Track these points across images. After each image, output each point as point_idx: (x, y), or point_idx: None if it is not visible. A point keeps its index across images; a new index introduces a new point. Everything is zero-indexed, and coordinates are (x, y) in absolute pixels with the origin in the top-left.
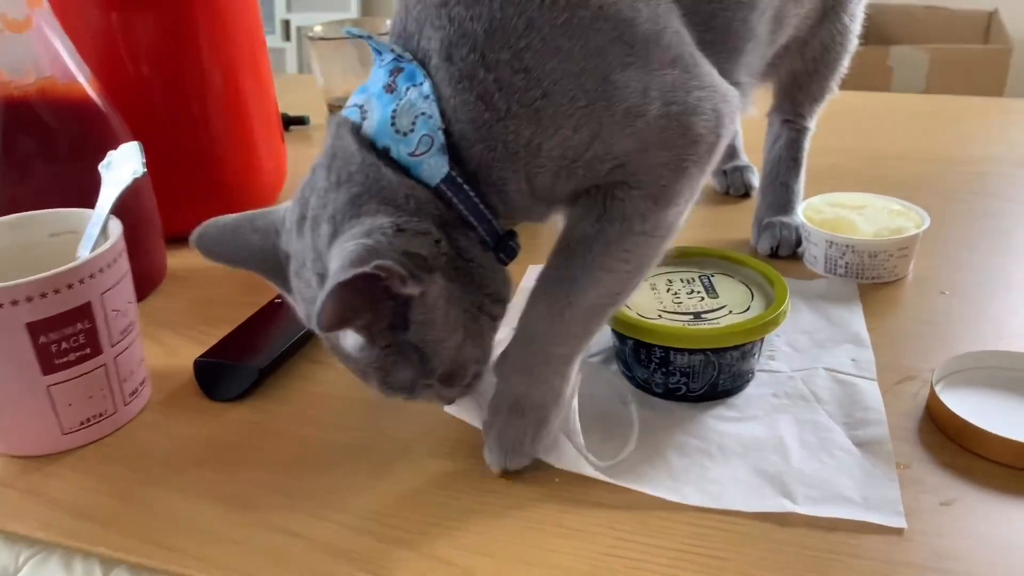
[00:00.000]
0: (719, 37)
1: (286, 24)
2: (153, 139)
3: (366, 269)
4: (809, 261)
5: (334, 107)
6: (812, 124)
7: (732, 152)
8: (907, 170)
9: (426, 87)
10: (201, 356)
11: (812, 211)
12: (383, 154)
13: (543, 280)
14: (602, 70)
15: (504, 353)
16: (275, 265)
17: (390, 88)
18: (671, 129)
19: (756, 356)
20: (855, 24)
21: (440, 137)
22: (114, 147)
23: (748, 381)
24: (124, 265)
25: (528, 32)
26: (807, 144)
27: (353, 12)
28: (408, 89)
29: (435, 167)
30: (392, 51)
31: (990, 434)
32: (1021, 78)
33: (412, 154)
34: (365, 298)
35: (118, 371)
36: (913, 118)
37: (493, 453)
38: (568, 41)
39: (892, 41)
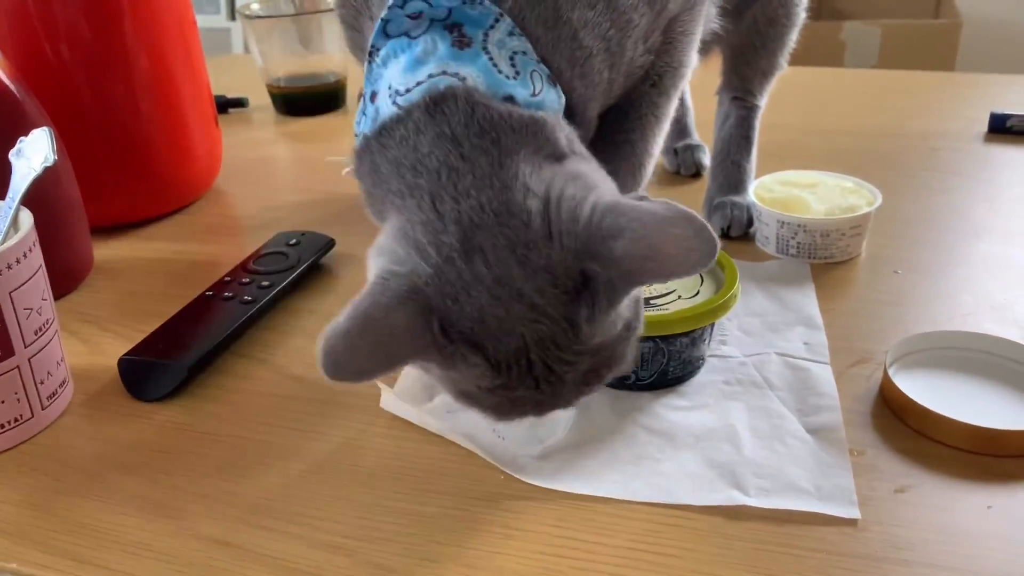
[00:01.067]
0: None
1: (231, 2)
2: (75, 125)
3: (681, 210)
4: (761, 241)
5: (273, 88)
6: (762, 101)
7: (683, 130)
8: (859, 146)
9: (506, 24)
10: (126, 354)
11: (763, 190)
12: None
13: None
14: None
15: None
16: (431, 338)
17: (461, 43)
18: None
19: (707, 342)
20: None
21: (544, 70)
22: (28, 134)
23: (699, 368)
24: (37, 260)
25: None
26: (757, 122)
27: None
28: (486, 35)
29: (555, 100)
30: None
31: (944, 417)
32: (971, 52)
33: (533, 94)
34: None
35: (33, 373)
36: (865, 93)
37: None
38: None
39: (844, 16)
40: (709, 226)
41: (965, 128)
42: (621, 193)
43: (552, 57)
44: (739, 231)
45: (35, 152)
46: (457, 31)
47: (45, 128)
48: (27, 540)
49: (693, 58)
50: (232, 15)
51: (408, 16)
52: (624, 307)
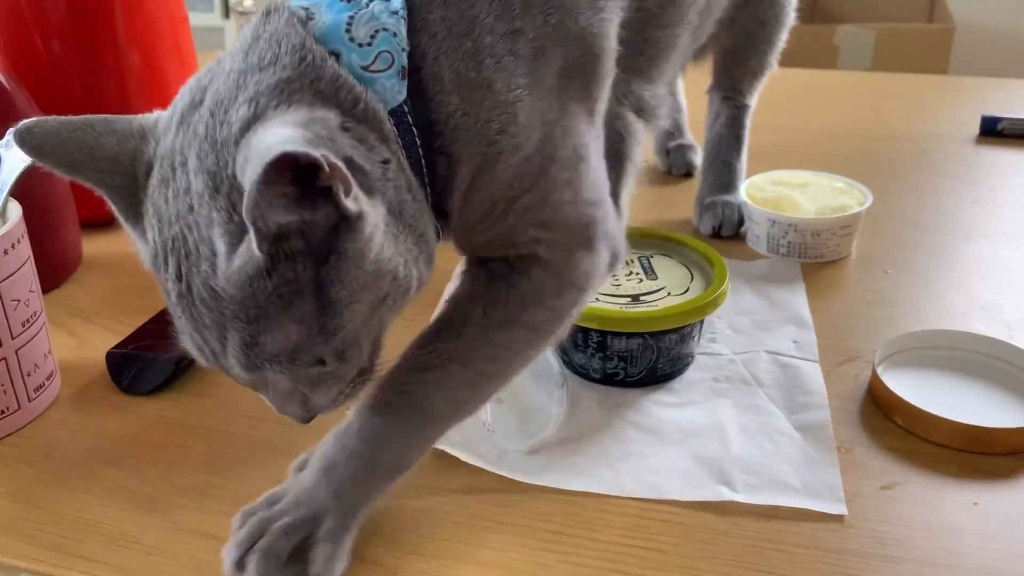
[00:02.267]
0: (649, 57)
1: (225, 1)
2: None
3: (312, 153)
4: (752, 241)
5: None
6: (752, 101)
7: (676, 130)
8: (851, 148)
9: (397, 2)
10: (114, 347)
11: (754, 190)
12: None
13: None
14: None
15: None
16: (126, 179)
17: None
18: (600, 209)
19: (696, 339)
20: None
21: (402, 60)
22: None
23: (688, 365)
24: (25, 252)
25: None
26: (748, 121)
27: None
28: (371, 2)
29: (392, 89)
30: None
31: (932, 415)
32: (964, 56)
33: (366, 68)
34: (291, 199)
35: (20, 365)
36: (858, 96)
37: (230, 549)
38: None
39: (838, 20)
40: (266, 170)
41: (956, 131)
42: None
43: (439, 57)
44: (730, 230)
45: None
46: None
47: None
48: (12, 532)
49: (586, 278)
50: (226, 13)
51: None
52: (285, 278)
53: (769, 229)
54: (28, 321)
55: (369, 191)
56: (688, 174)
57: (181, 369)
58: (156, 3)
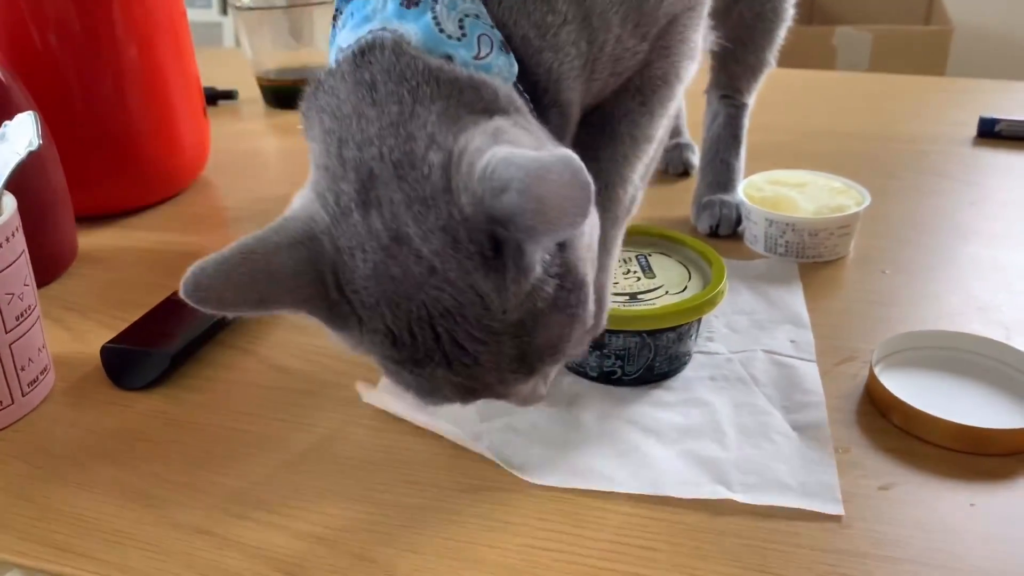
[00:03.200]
0: None
1: None
2: (62, 113)
3: (562, 150)
4: (749, 240)
5: (263, 81)
6: (750, 100)
7: (674, 130)
8: (849, 148)
9: None
10: (109, 342)
11: (752, 189)
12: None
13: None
14: None
15: None
16: (316, 287)
17: (409, 2)
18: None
19: (693, 338)
20: None
21: (497, 35)
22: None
23: (685, 364)
24: (19, 245)
25: None
26: (746, 121)
27: None
28: None
29: (505, 67)
30: None
31: (929, 416)
32: (961, 58)
33: (477, 57)
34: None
35: (14, 359)
36: (856, 96)
37: None
38: None
39: (836, 21)
40: (585, 170)
41: (954, 132)
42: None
43: (517, 22)
44: (728, 230)
45: (19, 136)
46: None
47: (30, 112)
48: (6, 528)
49: (689, 72)
50: (224, 10)
51: None
52: (545, 281)
53: (767, 229)
54: (22, 315)
55: None
56: (685, 173)
57: (176, 364)
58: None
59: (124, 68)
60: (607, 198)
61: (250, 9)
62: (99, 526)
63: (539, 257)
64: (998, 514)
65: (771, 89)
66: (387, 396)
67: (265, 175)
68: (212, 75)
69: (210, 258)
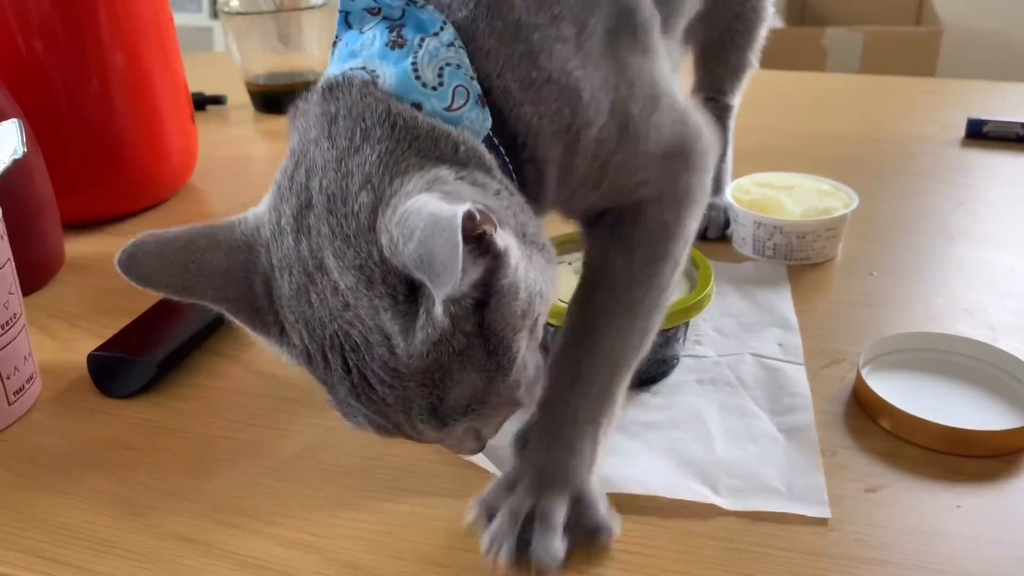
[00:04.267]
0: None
1: (213, 1)
2: (48, 120)
3: (469, 207)
4: (738, 243)
5: (252, 86)
6: (735, 101)
7: None
8: (837, 150)
9: (448, 34)
10: (95, 350)
11: (740, 192)
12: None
13: (565, 333)
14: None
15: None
16: (242, 292)
17: (396, 43)
18: (685, 126)
19: (681, 341)
20: None
21: (476, 88)
22: None
23: (673, 367)
24: (4, 253)
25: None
26: (732, 123)
27: None
28: (423, 40)
29: (478, 120)
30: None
31: (916, 418)
32: (951, 59)
33: (449, 108)
34: (475, 255)
35: (0, 368)
36: (846, 98)
37: (498, 537)
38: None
39: (827, 23)
40: (459, 229)
41: (943, 133)
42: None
43: (501, 73)
44: (716, 232)
45: (4, 144)
46: (397, 31)
47: (14, 120)
48: None
49: (693, 226)
50: (214, 13)
51: (366, 9)
52: (458, 337)
53: (755, 231)
54: (8, 323)
55: (500, 225)
56: None
57: (162, 372)
58: (140, 3)
59: (110, 74)
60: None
61: (239, 14)
62: (84, 535)
63: (446, 309)
64: (984, 516)
65: (760, 91)
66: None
67: (254, 180)
68: (201, 80)
69: (153, 234)
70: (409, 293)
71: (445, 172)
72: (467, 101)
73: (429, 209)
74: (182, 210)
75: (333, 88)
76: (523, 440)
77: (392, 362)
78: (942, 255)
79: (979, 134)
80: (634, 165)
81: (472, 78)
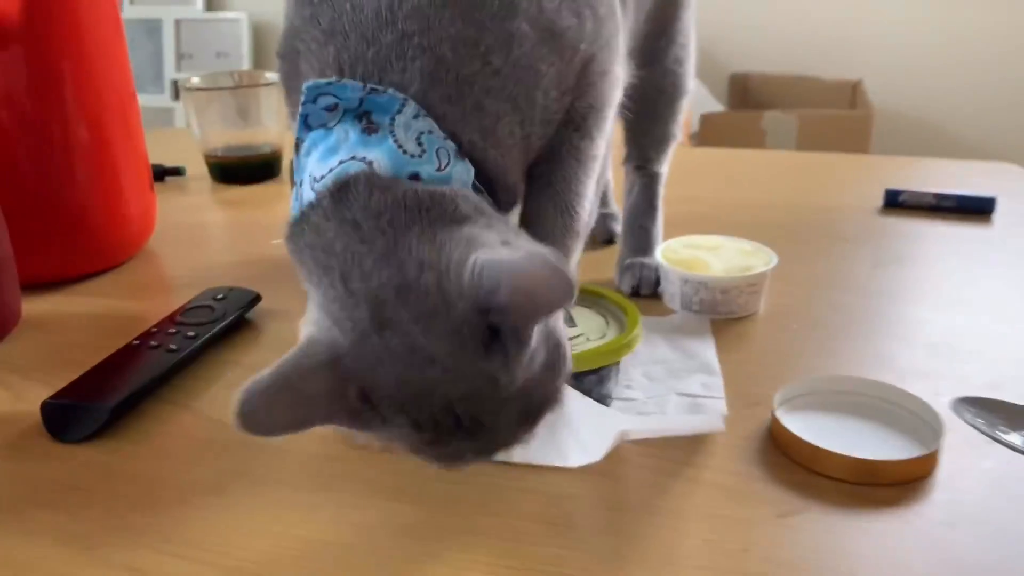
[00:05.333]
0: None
1: (175, 84)
2: (10, 184)
3: (535, 250)
4: (667, 299)
5: (211, 158)
6: (662, 169)
7: (602, 200)
8: (765, 217)
9: (411, 107)
10: (50, 397)
11: (669, 252)
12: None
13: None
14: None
15: None
16: (343, 404)
17: (370, 129)
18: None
19: (613, 381)
20: (683, 68)
21: (451, 145)
22: None
23: (608, 406)
24: None
25: (481, 37)
26: (661, 189)
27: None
28: (392, 119)
29: (463, 171)
30: (362, 85)
31: (825, 451)
32: (882, 140)
33: (439, 169)
34: None
35: None
36: (776, 172)
37: None
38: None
39: (765, 107)
40: (562, 266)
41: (863, 203)
42: (553, 235)
43: (462, 131)
44: (648, 290)
45: None
46: (366, 119)
47: None
48: None
49: (615, 97)
50: (176, 95)
51: (324, 109)
52: (537, 349)
53: (682, 287)
54: None
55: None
56: (610, 240)
57: (115, 417)
58: (105, 81)
59: (73, 145)
60: (568, 216)
61: (199, 90)
62: (37, 569)
63: (534, 331)
64: (889, 538)
65: (698, 166)
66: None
67: (210, 245)
68: (162, 153)
69: (253, 386)
70: (492, 335)
71: (469, 230)
72: (450, 159)
73: (506, 261)
74: (139, 272)
75: (342, 189)
76: None
77: (497, 393)
78: (857, 310)
79: (896, 203)
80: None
81: (445, 138)
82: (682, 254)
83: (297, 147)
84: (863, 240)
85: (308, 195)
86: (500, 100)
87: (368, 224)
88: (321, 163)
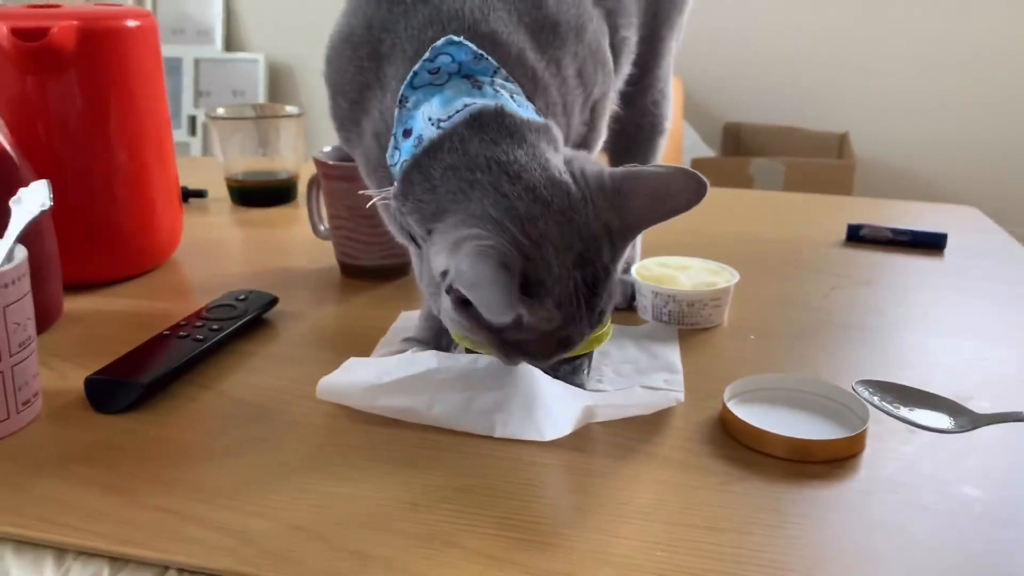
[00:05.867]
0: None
1: (192, 120)
2: (58, 197)
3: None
4: (640, 311)
5: (232, 182)
6: None
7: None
8: (733, 245)
9: (503, 74)
10: (91, 374)
11: (643, 269)
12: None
13: None
14: None
15: None
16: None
17: (476, 85)
18: None
19: (586, 372)
20: (660, 110)
21: (531, 105)
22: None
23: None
24: (26, 286)
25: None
26: None
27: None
28: (491, 80)
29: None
30: (474, 48)
31: (766, 432)
32: (865, 188)
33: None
34: None
35: (14, 380)
36: (753, 209)
37: None
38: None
39: (756, 155)
40: (699, 174)
41: (826, 236)
42: None
43: (534, 102)
44: (624, 303)
45: (33, 200)
46: (471, 79)
47: (44, 180)
48: (1, 507)
49: (603, 133)
50: (192, 131)
51: (429, 72)
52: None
53: (653, 300)
54: (24, 343)
55: None
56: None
57: (148, 394)
58: (145, 111)
59: (114, 167)
60: None
61: (224, 119)
62: (80, 506)
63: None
64: (816, 503)
65: None
66: (339, 388)
67: (229, 257)
68: (187, 177)
69: (496, 282)
70: (606, 233)
71: (568, 152)
72: (534, 111)
73: (645, 170)
74: (166, 278)
75: (476, 119)
76: None
77: (605, 281)
78: (811, 324)
79: (857, 237)
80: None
81: (527, 98)
82: (655, 271)
83: (401, 103)
84: (823, 267)
85: (430, 133)
86: (556, 96)
87: (506, 141)
88: (443, 108)
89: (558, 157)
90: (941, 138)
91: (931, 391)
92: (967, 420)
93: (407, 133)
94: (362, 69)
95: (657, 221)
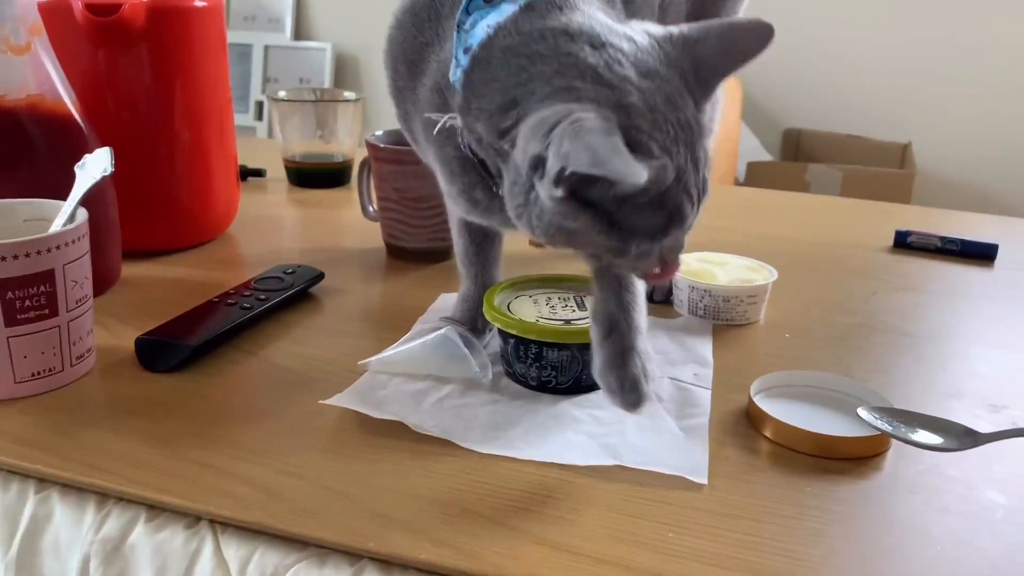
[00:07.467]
0: None
1: (259, 105)
2: (123, 170)
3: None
4: (677, 305)
5: (289, 163)
6: None
7: None
8: (778, 247)
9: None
10: (142, 335)
11: (682, 264)
12: None
13: None
14: None
15: None
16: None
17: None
18: None
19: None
20: (714, 111)
21: None
22: None
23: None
24: (85, 246)
25: None
26: None
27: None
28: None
29: None
30: None
31: (791, 426)
32: (925, 199)
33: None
34: None
35: (69, 334)
36: (805, 213)
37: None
38: None
39: (812, 161)
40: (764, 20)
41: (874, 242)
42: None
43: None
44: (661, 296)
45: (96, 165)
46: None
47: (107, 147)
48: (51, 452)
49: None
50: (259, 115)
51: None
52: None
53: (689, 294)
54: (81, 300)
55: None
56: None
57: (195, 356)
58: (208, 90)
59: (176, 142)
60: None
61: (284, 101)
62: (124, 456)
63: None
64: (835, 496)
65: (729, 202)
66: (348, 398)
67: (282, 234)
68: (247, 157)
69: (602, 132)
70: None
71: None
72: None
73: (712, 22)
74: (220, 250)
75: (526, 8)
76: None
77: (698, 131)
78: (850, 328)
79: (904, 244)
80: None
81: None
82: (693, 266)
83: (459, 28)
84: (867, 272)
85: (483, 32)
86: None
87: (563, 15)
88: (495, 18)
89: (618, 17)
90: (1004, 152)
91: (940, 415)
92: (970, 440)
93: (467, 51)
94: (423, 31)
95: (730, 70)
